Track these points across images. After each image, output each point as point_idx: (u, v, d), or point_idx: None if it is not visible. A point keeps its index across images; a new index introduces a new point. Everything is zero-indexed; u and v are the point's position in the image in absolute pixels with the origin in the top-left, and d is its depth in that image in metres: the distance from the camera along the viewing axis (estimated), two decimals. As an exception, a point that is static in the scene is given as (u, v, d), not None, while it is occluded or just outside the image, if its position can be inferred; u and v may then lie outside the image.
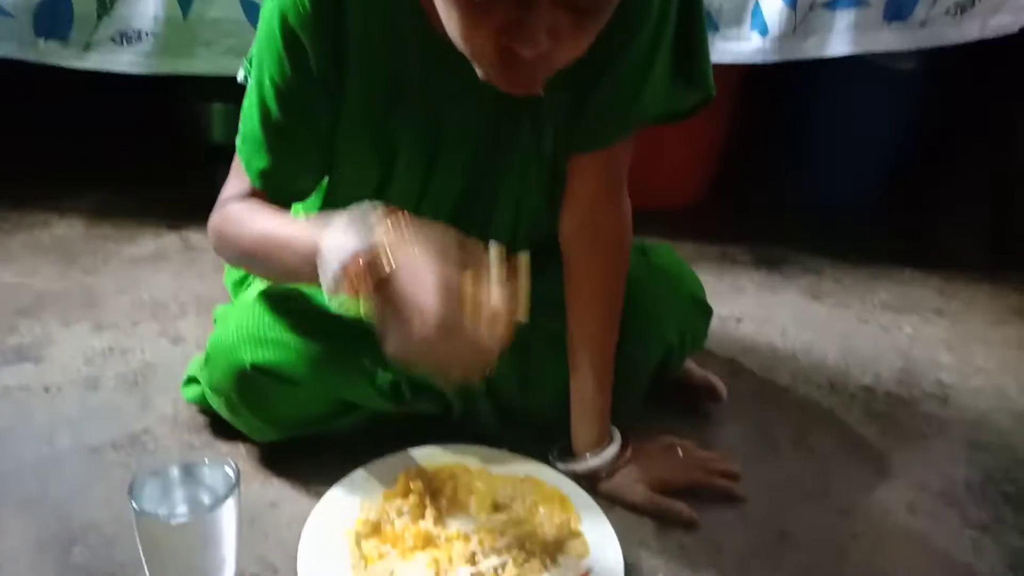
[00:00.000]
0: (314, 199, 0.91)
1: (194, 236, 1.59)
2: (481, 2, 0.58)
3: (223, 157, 1.87)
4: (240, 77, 0.89)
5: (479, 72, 0.65)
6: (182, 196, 1.75)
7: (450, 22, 0.62)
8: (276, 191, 0.82)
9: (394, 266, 0.64)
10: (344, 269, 0.64)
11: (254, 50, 0.80)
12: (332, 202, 0.88)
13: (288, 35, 0.74)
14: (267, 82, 0.77)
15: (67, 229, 1.58)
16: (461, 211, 0.89)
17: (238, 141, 0.83)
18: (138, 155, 1.90)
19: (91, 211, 1.66)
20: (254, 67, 0.80)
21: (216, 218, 0.85)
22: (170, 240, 1.56)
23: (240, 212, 0.82)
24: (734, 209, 1.95)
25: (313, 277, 0.68)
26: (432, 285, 0.62)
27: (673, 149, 1.84)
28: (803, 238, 1.83)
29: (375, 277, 0.64)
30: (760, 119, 1.96)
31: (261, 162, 0.80)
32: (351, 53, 0.76)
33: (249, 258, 0.83)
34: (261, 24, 0.78)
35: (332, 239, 0.67)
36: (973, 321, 1.53)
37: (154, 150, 1.90)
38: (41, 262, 1.41)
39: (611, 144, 0.84)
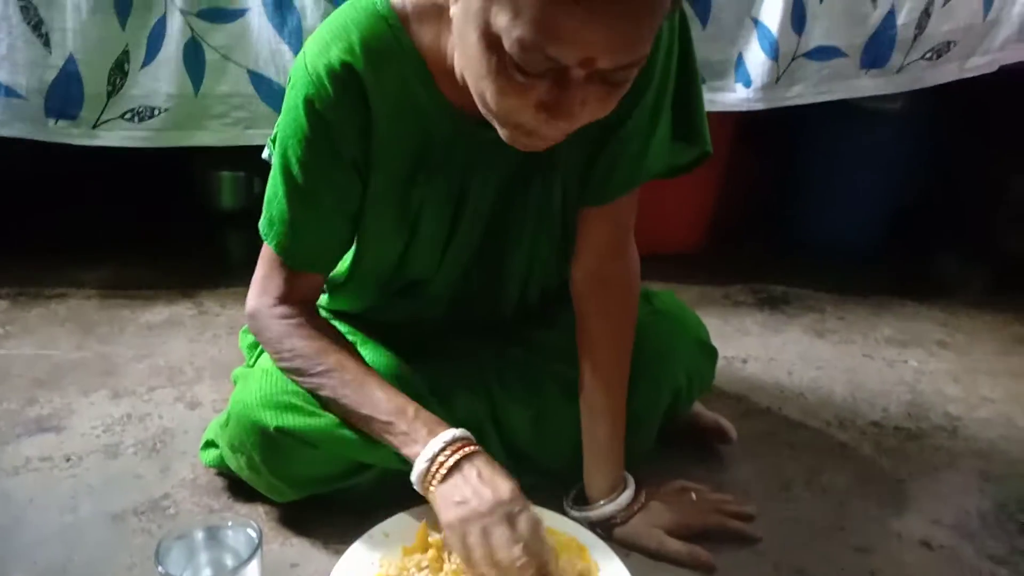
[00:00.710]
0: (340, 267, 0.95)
1: (207, 301, 1.62)
2: (522, 82, 0.62)
3: (232, 224, 1.93)
4: (265, 155, 0.94)
5: (503, 135, 0.69)
6: (194, 262, 1.80)
7: (483, 93, 0.66)
8: (304, 266, 0.86)
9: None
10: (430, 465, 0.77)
11: (279, 133, 0.84)
12: (358, 270, 0.93)
13: (314, 118, 0.78)
14: (295, 166, 0.80)
15: (82, 300, 1.61)
16: (476, 264, 0.94)
17: (264, 226, 0.86)
18: (148, 225, 1.96)
19: (105, 281, 1.70)
20: (277, 152, 0.83)
21: (274, 322, 0.86)
22: (183, 306, 1.60)
23: (299, 341, 0.85)
24: (735, 252, 1.99)
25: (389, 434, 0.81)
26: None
27: (673, 197, 1.88)
28: (804, 278, 1.86)
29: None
30: (758, 164, 2.02)
31: (292, 244, 0.84)
32: (378, 129, 0.80)
33: (314, 384, 0.85)
34: (286, 109, 0.82)
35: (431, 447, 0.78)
36: (977, 352, 1.55)
37: (164, 219, 1.95)
38: (58, 333, 1.45)
39: (618, 198, 0.88)
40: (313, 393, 0.85)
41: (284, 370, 0.87)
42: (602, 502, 0.91)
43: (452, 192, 0.86)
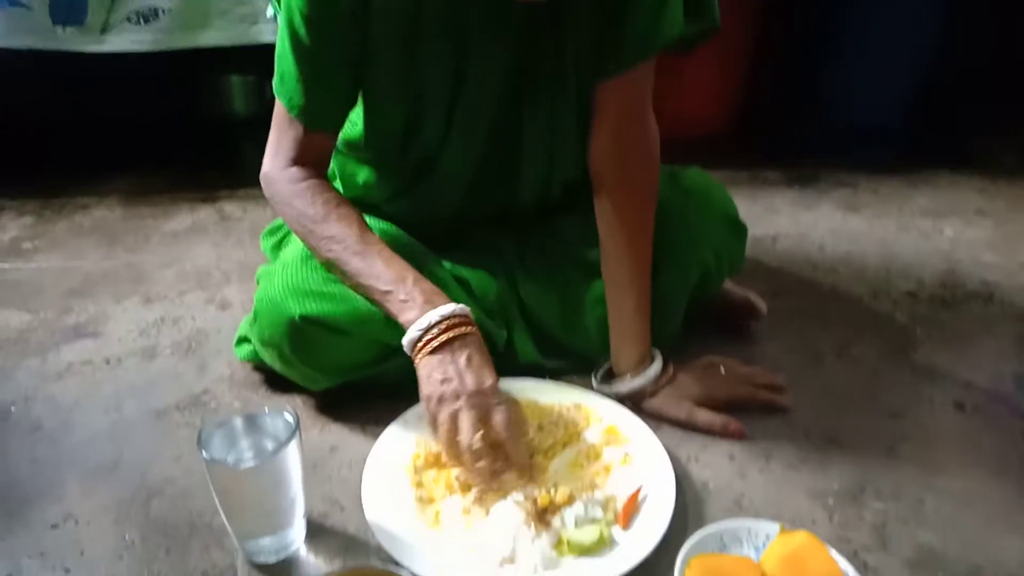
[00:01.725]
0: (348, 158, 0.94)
1: (228, 207, 1.62)
2: None
3: (246, 129, 1.90)
4: (269, 13, 0.92)
5: None
6: (212, 170, 1.79)
7: None
8: (315, 124, 0.86)
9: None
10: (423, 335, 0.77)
11: None
12: (372, 136, 0.92)
13: None
14: (297, 17, 0.80)
15: (106, 211, 1.62)
16: (492, 141, 0.91)
17: (276, 83, 0.86)
18: (164, 135, 1.94)
19: (126, 192, 1.70)
20: (283, 8, 0.82)
21: (284, 186, 0.86)
22: (205, 213, 1.60)
23: (309, 205, 0.84)
24: (764, 132, 1.92)
25: (389, 303, 0.80)
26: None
27: (699, 77, 1.81)
28: (836, 154, 1.79)
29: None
30: (787, 41, 1.91)
31: (300, 98, 0.83)
32: None
33: (322, 251, 0.85)
34: None
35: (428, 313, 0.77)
36: (1017, 219, 1.50)
37: (179, 129, 1.93)
38: (85, 244, 1.46)
39: (634, 67, 0.85)
40: (318, 255, 0.85)
41: (294, 232, 0.88)
42: (630, 376, 0.91)
43: (453, 50, 0.84)
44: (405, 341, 0.78)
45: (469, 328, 0.78)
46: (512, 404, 0.78)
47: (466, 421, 0.74)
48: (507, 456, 0.76)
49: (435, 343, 0.76)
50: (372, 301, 0.83)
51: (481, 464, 0.74)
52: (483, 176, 0.95)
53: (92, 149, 1.89)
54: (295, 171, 0.87)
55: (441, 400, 0.75)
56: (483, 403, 0.74)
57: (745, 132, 1.89)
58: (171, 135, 1.94)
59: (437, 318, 0.77)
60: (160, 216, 1.59)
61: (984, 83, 1.86)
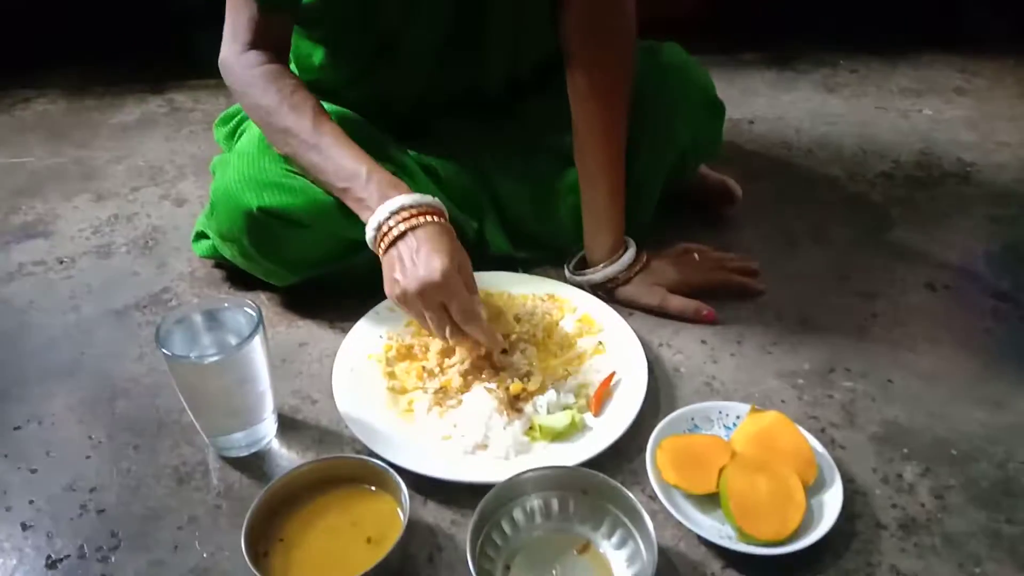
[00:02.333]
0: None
1: (178, 97, 1.53)
2: None
3: (194, 14, 1.77)
4: None
5: None
6: (160, 60, 1.67)
7: None
8: (268, 1, 0.80)
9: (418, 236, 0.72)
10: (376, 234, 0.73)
11: None
12: (328, 17, 0.87)
13: None
14: None
15: (49, 105, 1.52)
16: (456, 22, 0.85)
17: None
18: (107, 22, 1.80)
19: (70, 85, 1.60)
20: None
21: (240, 72, 0.82)
22: (155, 104, 1.51)
23: (271, 92, 0.80)
24: (741, 12, 1.83)
25: (350, 202, 0.77)
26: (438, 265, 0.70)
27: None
28: (815, 32, 1.72)
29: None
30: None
31: None
32: None
33: (280, 143, 0.80)
34: None
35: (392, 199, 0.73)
36: (997, 97, 1.47)
37: (123, 15, 1.79)
38: (29, 140, 1.38)
39: None
40: (277, 148, 0.82)
41: (255, 123, 0.84)
42: (603, 264, 0.89)
43: None
44: (368, 240, 0.75)
45: (422, 218, 0.73)
46: (464, 294, 0.73)
47: (432, 321, 0.73)
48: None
49: (388, 239, 0.73)
50: (336, 196, 0.79)
51: (468, 345, 0.75)
52: (447, 56, 0.89)
53: (31, 38, 1.76)
54: (252, 56, 0.81)
55: (401, 301, 0.73)
56: (434, 297, 0.71)
57: (722, 11, 1.80)
58: (114, 22, 1.80)
59: (387, 213, 0.73)
60: (107, 109, 1.49)
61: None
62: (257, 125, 0.83)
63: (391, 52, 0.88)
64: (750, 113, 1.41)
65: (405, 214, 0.73)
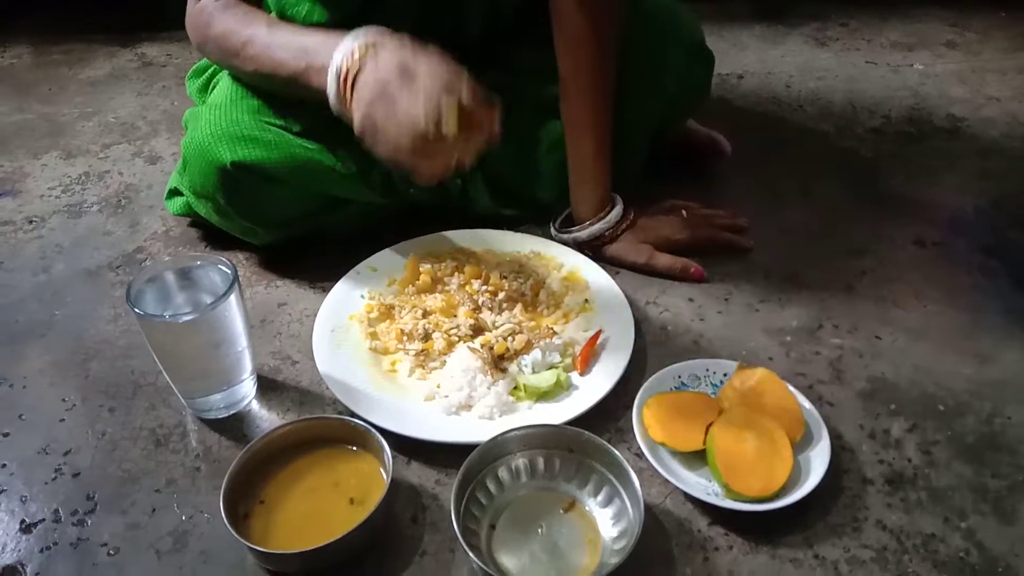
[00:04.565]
0: None
1: (150, 51, 1.48)
2: None
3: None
4: None
5: None
6: (129, 11, 1.61)
7: None
8: None
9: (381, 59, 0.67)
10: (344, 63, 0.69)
11: None
12: None
13: None
14: None
15: (13, 59, 1.46)
16: None
17: None
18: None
19: (35, 37, 1.53)
20: None
21: (200, 19, 0.79)
22: (125, 58, 1.45)
23: (228, 18, 0.77)
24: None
25: (312, 80, 0.72)
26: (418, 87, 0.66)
27: None
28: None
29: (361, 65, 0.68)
30: None
31: None
32: None
33: (243, 59, 0.77)
34: None
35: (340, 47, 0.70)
36: (988, 51, 1.45)
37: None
38: (-6, 96, 1.33)
39: None
40: (245, 74, 0.79)
41: (221, 66, 0.82)
42: (589, 221, 0.87)
43: None
44: (332, 106, 0.72)
45: (374, 40, 0.70)
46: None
47: (446, 109, 0.67)
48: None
49: (350, 82, 0.69)
50: (313, 95, 0.73)
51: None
52: (429, 6, 0.85)
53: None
54: (210, 2, 0.78)
55: (413, 106, 0.67)
56: (456, 85, 0.67)
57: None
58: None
59: (340, 58, 0.70)
60: (75, 63, 1.44)
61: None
62: (223, 64, 0.80)
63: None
64: (740, 67, 1.38)
65: (357, 48, 0.69)
